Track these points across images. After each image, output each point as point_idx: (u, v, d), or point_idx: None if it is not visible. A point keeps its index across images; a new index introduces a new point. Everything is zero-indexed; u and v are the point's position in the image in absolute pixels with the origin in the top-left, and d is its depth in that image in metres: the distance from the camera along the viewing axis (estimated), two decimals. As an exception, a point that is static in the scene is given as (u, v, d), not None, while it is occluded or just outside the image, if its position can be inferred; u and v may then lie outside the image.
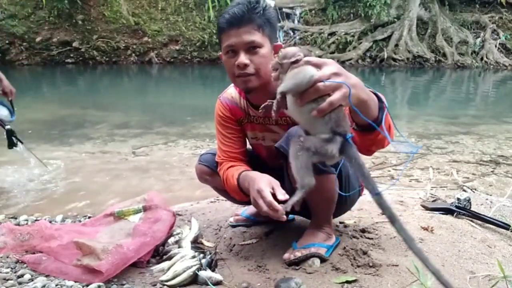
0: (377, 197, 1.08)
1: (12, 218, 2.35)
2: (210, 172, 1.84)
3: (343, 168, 1.54)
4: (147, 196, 2.00)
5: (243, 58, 1.50)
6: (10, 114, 2.97)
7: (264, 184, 1.43)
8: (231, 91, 1.77)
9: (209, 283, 1.46)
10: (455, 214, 2.09)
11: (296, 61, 1.08)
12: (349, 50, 12.83)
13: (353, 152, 1.11)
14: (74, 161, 3.68)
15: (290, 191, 1.55)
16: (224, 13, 1.53)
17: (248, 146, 1.85)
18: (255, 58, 1.50)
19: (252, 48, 1.50)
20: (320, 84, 1.03)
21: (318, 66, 1.07)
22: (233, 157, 1.72)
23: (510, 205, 2.40)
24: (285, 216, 1.38)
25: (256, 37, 1.49)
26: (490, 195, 2.67)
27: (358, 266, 1.58)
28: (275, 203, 1.37)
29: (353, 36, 12.81)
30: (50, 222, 2.19)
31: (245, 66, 1.50)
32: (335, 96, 1.03)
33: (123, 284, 1.51)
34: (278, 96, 1.12)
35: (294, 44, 12.74)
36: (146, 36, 12.13)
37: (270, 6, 1.57)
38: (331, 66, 1.07)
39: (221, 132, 1.77)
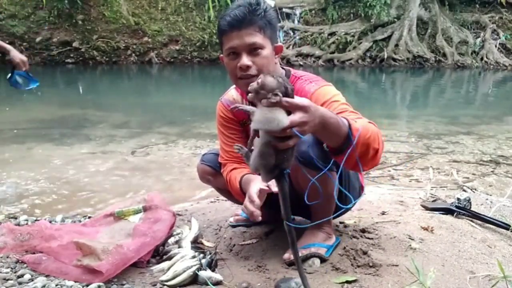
0: (288, 226, 1.32)
1: (12, 218, 2.35)
2: (212, 172, 1.84)
3: (344, 168, 1.54)
4: (147, 196, 2.01)
5: (245, 60, 1.50)
6: (27, 81, 2.70)
7: (254, 189, 1.48)
8: (233, 93, 1.77)
9: (209, 283, 1.46)
10: (455, 214, 2.09)
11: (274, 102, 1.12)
12: (349, 50, 12.83)
13: (282, 184, 1.30)
14: (74, 161, 3.68)
15: (289, 189, 1.56)
16: (225, 15, 1.52)
17: None
18: (257, 60, 1.51)
19: (254, 49, 1.50)
20: (287, 131, 1.12)
21: (292, 109, 1.12)
22: (237, 157, 1.72)
23: (510, 205, 2.40)
24: (259, 217, 1.45)
25: (258, 38, 1.50)
26: (490, 195, 2.67)
27: (358, 266, 1.58)
28: (252, 208, 1.44)
29: (353, 36, 12.81)
30: (50, 222, 2.19)
31: (248, 67, 1.50)
32: (291, 142, 1.15)
33: (123, 284, 1.52)
34: (252, 132, 1.20)
35: (294, 45, 12.77)
36: (146, 36, 12.13)
37: (270, 7, 1.57)
38: (302, 114, 1.11)
39: (224, 133, 1.77)
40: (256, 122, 1.15)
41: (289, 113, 1.12)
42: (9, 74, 2.70)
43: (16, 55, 2.66)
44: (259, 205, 1.45)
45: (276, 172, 1.25)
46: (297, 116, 1.10)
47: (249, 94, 1.16)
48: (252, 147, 1.26)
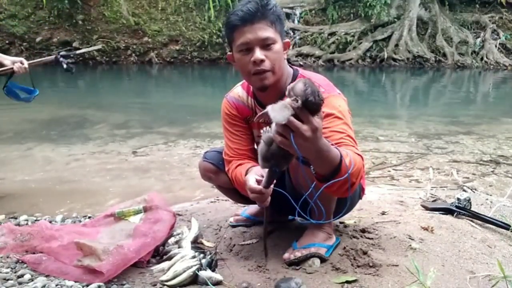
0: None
1: (12, 218, 2.35)
2: (214, 170, 1.83)
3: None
4: (147, 196, 2.00)
5: (258, 54, 1.49)
6: (26, 92, 2.83)
7: (252, 181, 1.50)
8: (238, 90, 1.76)
9: (209, 283, 1.46)
10: (455, 214, 2.09)
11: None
12: (349, 50, 12.84)
13: (274, 173, 1.45)
14: (74, 161, 3.68)
15: (290, 187, 1.56)
16: (236, 11, 1.51)
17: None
18: (270, 54, 1.50)
19: (266, 44, 1.50)
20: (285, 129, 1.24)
21: (303, 120, 1.20)
22: (242, 154, 1.72)
23: (510, 205, 2.40)
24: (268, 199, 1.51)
25: (270, 33, 1.49)
26: (490, 195, 2.67)
27: (358, 266, 1.58)
28: (254, 186, 1.48)
29: (353, 36, 12.82)
30: (50, 222, 2.19)
31: (262, 61, 1.49)
32: (284, 143, 1.24)
33: (123, 284, 1.52)
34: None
35: (294, 45, 12.76)
36: (146, 36, 12.14)
37: (278, 4, 1.57)
38: (306, 128, 1.19)
39: (229, 130, 1.77)
40: (272, 107, 1.22)
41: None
42: (5, 84, 2.73)
43: (10, 62, 2.66)
44: (261, 189, 1.47)
45: (272, 163, 1.37)
46: (300, 125, 1.18)
47: (287, 87, 1.23)
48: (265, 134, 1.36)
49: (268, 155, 1.35)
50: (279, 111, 1.20)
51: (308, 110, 1.19)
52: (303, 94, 1.18)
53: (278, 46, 1.52)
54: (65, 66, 2.93)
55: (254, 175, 1.51)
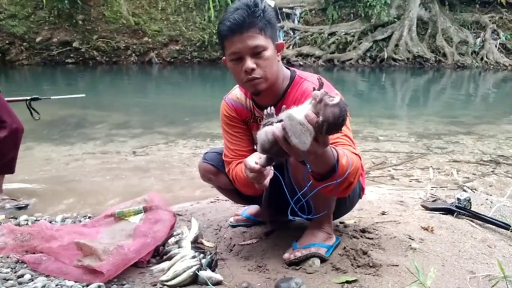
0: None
1: (12, 218, 2.35)
2: (214, 171, 1.84)
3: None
4: (147, 196, 2.00)
5: (249, 63, 1.50)
6: None
7: (251, 161, 1.47)
8: (236, 92, 1.77)
9: (209, 283, 1.46)
10: (455, 214, 2.09)
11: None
12: (349, 50, 12.84)
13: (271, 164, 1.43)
14: (74, 161, 3.68)
15: (290, 186, 1.56)
16: (224, 20, 1.52)
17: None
18: (261, 62, 1.51)
19: (257, 52, 1.50)
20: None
21: (319, 143, 1.20)
22: (241, 155, 1.72)
23: (510, 205, 2.40)
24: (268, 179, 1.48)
25: (260, 40, 1.50)
26: (490, 195, 2.67)
27: (358, 266, 1.58)
28: (253, 165, 1.44)
29: (353, 36, 12.82)
30: (50, 222, 2.19)
31: (252, 70, 1.51)
32: (292, 152, 1.23)
33: (123, 284, 1.52)
34: (275, 118, 1.26)
35: (294, 45, 12.76)
36: (146, 36, 12.15)
37: (269, 7, 1.57)
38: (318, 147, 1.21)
39: (228, 131, 1.77)
40: (290, 123, 1.14)
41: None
42: None
43: None
44: (259, 168, 1.44)
45: (270, 154, 1.33)
46: (316, 146, 1.18)
47: (314, 92, 1.17)
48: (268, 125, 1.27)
49: (267, 148, 1.27)
50: (300, 135, 1.13)
51: (328, 132, 1.16)
52: (332, 122, 1.14)
53: (269, 52, 1.52)
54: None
55: (253, 157, 1.50)
